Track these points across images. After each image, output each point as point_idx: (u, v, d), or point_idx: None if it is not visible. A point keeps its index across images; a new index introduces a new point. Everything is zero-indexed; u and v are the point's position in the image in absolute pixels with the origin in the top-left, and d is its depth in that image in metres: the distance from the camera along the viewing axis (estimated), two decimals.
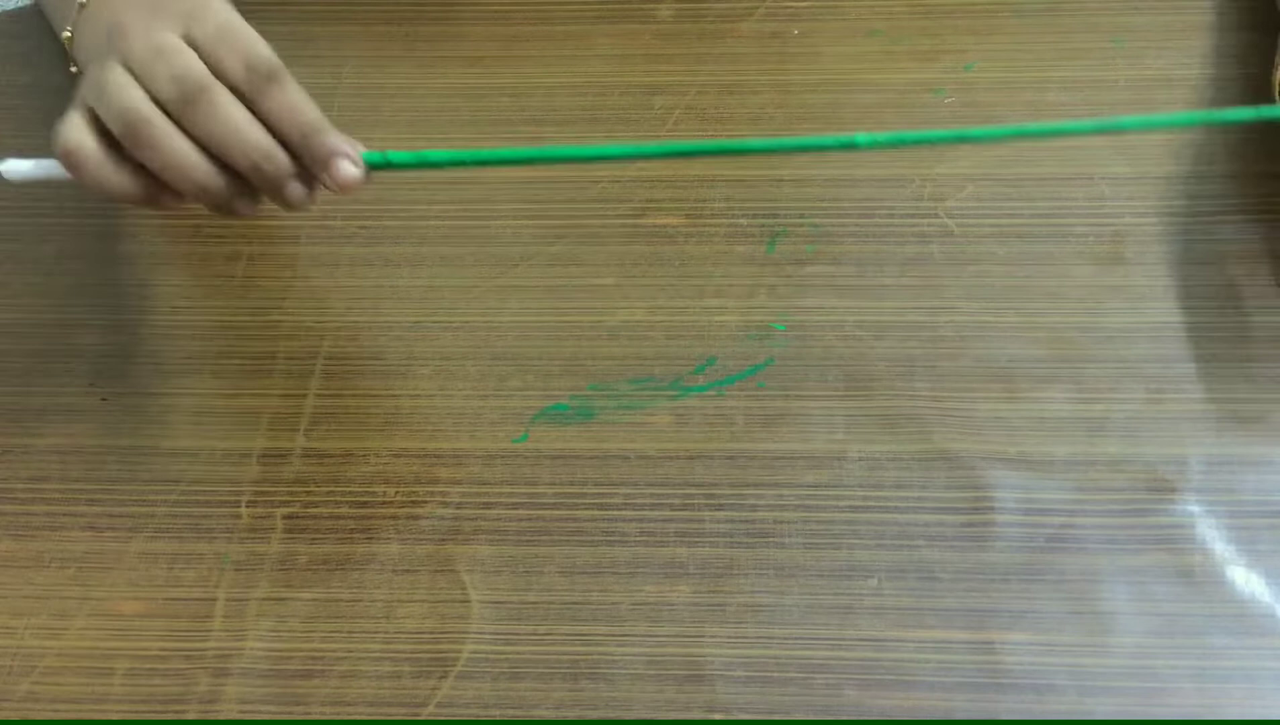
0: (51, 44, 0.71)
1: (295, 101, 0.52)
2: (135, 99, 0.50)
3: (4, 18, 0.79)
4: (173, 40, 0.51)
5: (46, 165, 0.54)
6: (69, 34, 0.64)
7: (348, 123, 0.71)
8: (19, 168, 0.54)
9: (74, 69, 0.66)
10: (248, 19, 0.71)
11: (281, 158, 0.52)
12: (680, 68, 0.73)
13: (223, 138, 0.51)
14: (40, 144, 0.71)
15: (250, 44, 0.51)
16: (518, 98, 0.73)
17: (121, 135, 0.51)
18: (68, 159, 0.51)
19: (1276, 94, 0.66)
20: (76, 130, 0.51)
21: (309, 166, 0.53)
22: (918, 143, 0.55)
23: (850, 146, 0.53)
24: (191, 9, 0.52)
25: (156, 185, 0.52)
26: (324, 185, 0.53)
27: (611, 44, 0.74)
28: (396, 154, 0.53)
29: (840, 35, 0.74)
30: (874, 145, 0.53)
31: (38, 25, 0.74)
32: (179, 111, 0.51)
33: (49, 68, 0.72)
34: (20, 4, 0.77)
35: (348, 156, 0.52)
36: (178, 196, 0.53)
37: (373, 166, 0.53)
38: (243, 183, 0.53)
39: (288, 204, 0.53)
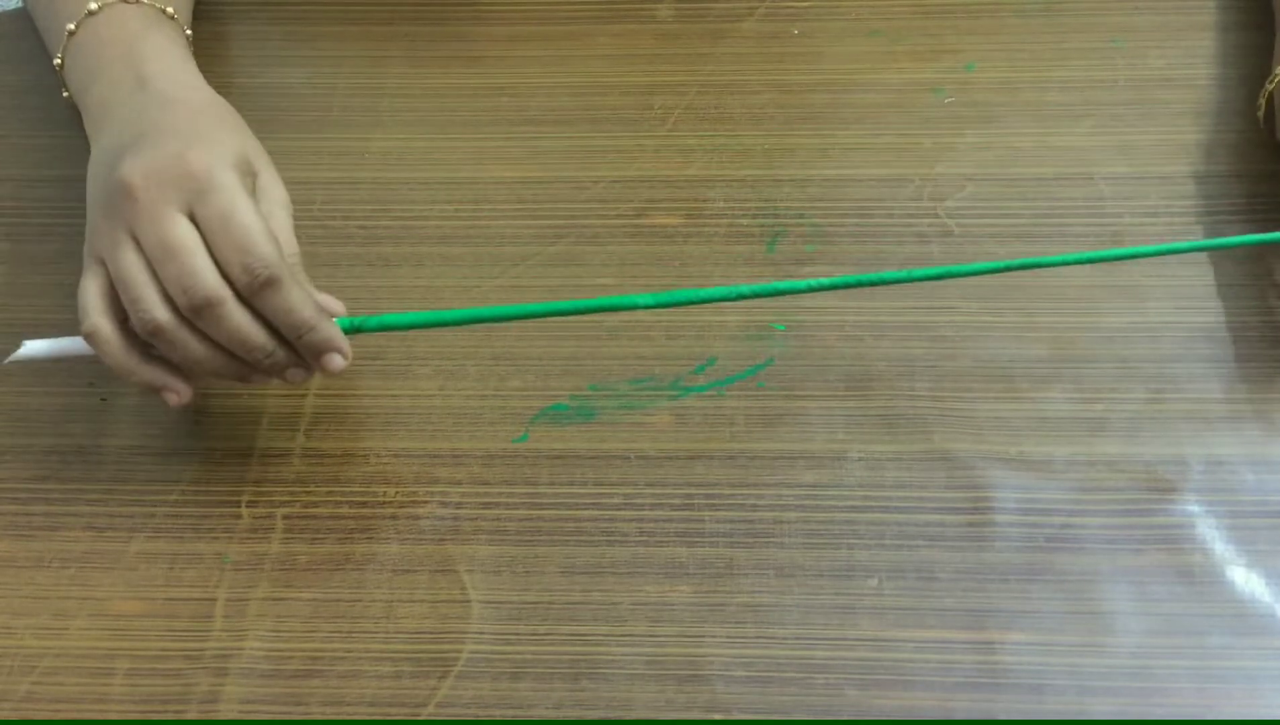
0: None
1: (290, 304, 0.54)
2: (150, 305, 0.54)
3: (2, 17, 0.79)
4: (179, 236, 0.53)
5: (62, 344, 0.57)
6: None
7: (347, 123, 0.72)
8: (35, 348, 0.57)
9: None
10: (249, 18, 0.72)
11: (281, 354, 0.56)
12: (680, 68, 0.73)
13: (228, 341, 0.55)
14: (38, 142, 0.72)
15: (251, 243, 0.53)
16: (518, 98, 0.72)
17: (140, 334, 0.55)
18: (91, 339, 0.55)
19: (1261, 113, 0.66)
20: (98, 315, 0.55)
21: (304, 357, 0.57)
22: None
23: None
24: (197, 185, 0.54)
25: (174, 370, 0.57)
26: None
27: (611, 44, 0.74)
28: (370, 318, 0.58)
29: (840, 35, 0.74)
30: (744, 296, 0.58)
31: (34, 25, 0.73)
32: (188, 315, 0.54)
33: (47, 68, 0.72)
34: (19, 4, 0.77)
35: (337, 351, 0.56)
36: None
37: (347, 330, 0.57)
38: (250, 367, 0.57)
39: (289, 383, 0.58)
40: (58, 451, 0.61)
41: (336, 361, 0.56)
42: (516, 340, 0.64)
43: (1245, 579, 0.55)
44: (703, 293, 0.58)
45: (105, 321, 0.55)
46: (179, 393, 0.57)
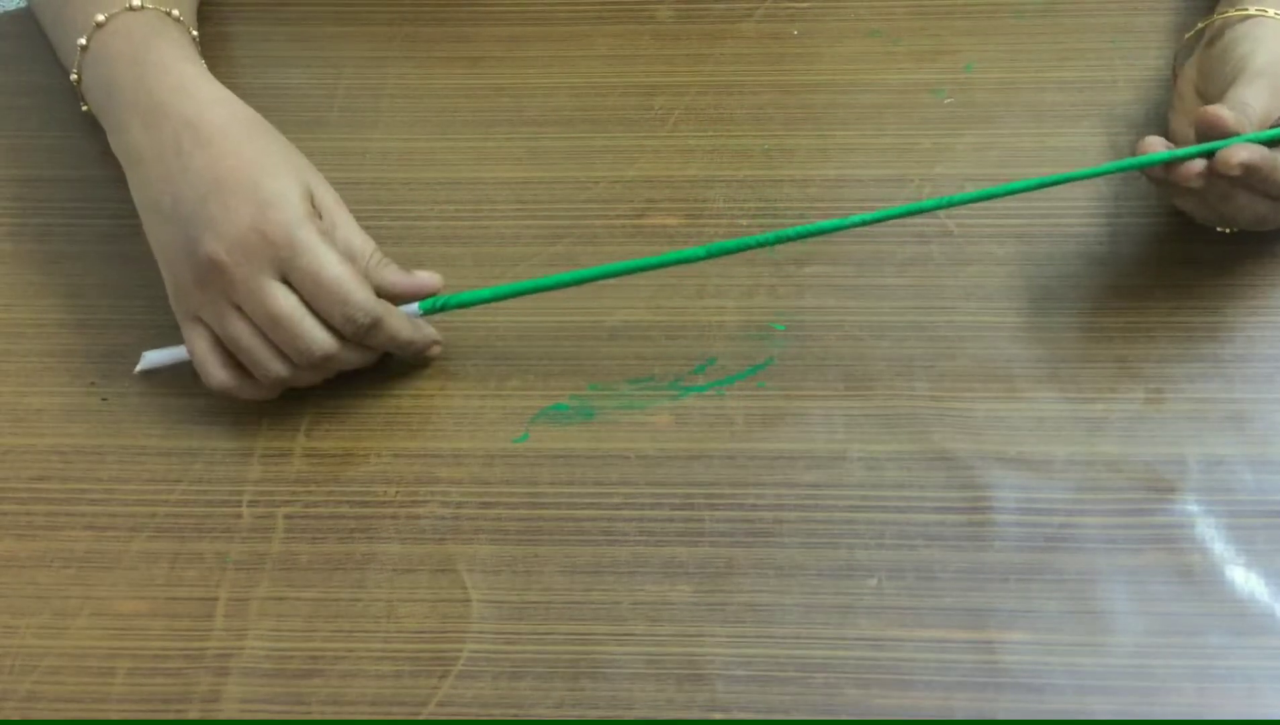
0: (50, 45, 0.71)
1: (392, 333, 0.60)
2: (269, 364, 0.59)
3: (3, 18, 0.79)
4: (282, 306, 0.58)
5: (178, 352, 0.62)
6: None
7: (347, 123, 0.72)
8: (155, 358, 0.62)
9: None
10: (249, 19, 0.72)
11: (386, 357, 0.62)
12: (680, 68, 0.73)
13: (344, 368, 0.61)
14: (38, 142, 0.72)
15: (345, 294, 0.58)
16: (518, 98, 0.73)
17: (264, 384, 0.60)
18: (227, 393, 0.60)
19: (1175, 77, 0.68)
20: (217, 370, 0.60)
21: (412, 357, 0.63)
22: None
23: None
24: (281, 252, 0.58)
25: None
26: None
27: (611, 44, 0.75)
28: (450, 298, 0.62)
29: (840, 35, 0.74)
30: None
31: (36, 26, 0.74)
32: (306, 368, 0.60)
33: (47, 69, 0.72)
34: (20, 4, 0.77)
35: (437, 343, 0.62)
36: None
37: (429, 311, 0.62)
38: None
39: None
40: (58, 451, 0.61)
41: (435, 351, 0.62)
42: (517, 340, 0.64)
43: (1244, 578, 0.56)
44: (751, 240, 0.60)
45: (228, 375, 0.60)
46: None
